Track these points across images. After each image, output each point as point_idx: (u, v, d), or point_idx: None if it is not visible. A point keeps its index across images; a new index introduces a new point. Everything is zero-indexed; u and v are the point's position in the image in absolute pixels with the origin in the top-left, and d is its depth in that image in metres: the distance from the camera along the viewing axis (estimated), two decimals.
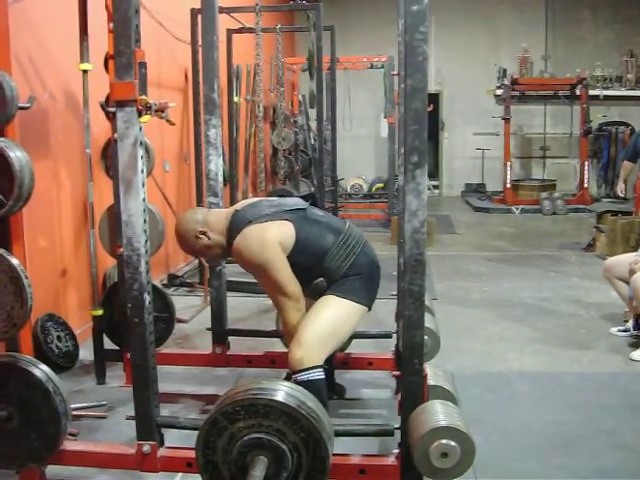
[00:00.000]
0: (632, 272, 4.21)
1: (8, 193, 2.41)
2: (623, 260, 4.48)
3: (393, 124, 8.53)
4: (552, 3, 12.80)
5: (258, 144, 6.77)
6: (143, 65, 2.21)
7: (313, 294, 2.84)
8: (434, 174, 13.45)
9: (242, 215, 2.82)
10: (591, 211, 9.92)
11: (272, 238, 2.73)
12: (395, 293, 3.43)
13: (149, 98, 2.22)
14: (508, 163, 11.10)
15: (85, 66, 3.58)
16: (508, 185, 11.08)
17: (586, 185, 11.03)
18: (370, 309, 2.88)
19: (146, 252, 2.30)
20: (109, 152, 3.62)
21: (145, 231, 2.28)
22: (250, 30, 6.14)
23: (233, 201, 6.80)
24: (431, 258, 6.30)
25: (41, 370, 2.39)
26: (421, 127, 2.08)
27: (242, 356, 3.56)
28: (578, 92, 11.13)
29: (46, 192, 3.97)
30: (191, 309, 5.15)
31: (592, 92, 11.36)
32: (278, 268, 2.72)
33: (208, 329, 3.60)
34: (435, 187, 13.49)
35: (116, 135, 2.27)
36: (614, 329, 4.57)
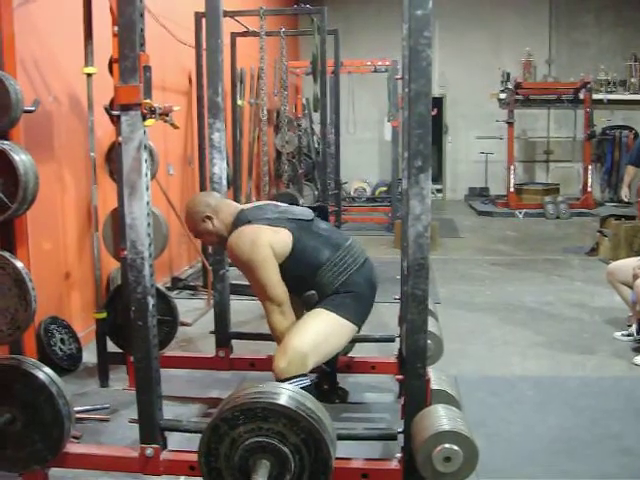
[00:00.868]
0: (635, 276, 4.20)
1: (13, 196, 2.41)
2: (626, 264, 4.48)
3: (397, 128, 8.53)
4: (556, 7, 12.81)
5: (262, 147, 6.80)
6: (148, 69, 2.22)
7: (304, 306, 2.86)
8: (437, 178, 13.45)
9: (245, 214, 2.89)
10: (594, 215, 9.90)
11: (264, 240, 2.77)
12: (398, 297, 3.43)
13: (153, 102, 2.22)
14: (511, 167, 11.08)
15: (89, 70, 3.59)
16: (511, 189, 11.07)
17: (590, 189, 11.01)
18: (359, 329, 2.89)
19: (150, 255, 2.30)
20: (113, 155, 3.62)
21: (149, 234, 2.29)
22: (254, 34, 6.16)
23: None
24: (434, 262, 6.30)
25: (45, 373, 2.39)
26: (425, 131, 2.08)
27: (245, 359, 3.56)
28: (582, 96, 11.11)
29: (50, 195, 3.98)
30: (194, 312, 5.16)
31: (596, 96, 11.34)
32: (265, 270, 2.75)
33: (211, 332, 3.60)
34: (438, 191, 13.48)
35: (120, 138, 2.28)
36: (617, 333, 4.56)
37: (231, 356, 3.55)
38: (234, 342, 3.60)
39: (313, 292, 2.86)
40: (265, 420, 1.99)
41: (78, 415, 2.87)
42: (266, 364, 3.47)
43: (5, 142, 2.43)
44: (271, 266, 2.77)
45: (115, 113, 3.22)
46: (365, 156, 13.03)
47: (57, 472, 2.58)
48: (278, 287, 2.78)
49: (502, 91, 11.85)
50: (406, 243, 2.31)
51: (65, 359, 3.86)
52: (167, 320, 3.68)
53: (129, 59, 2.19)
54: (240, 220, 2.86)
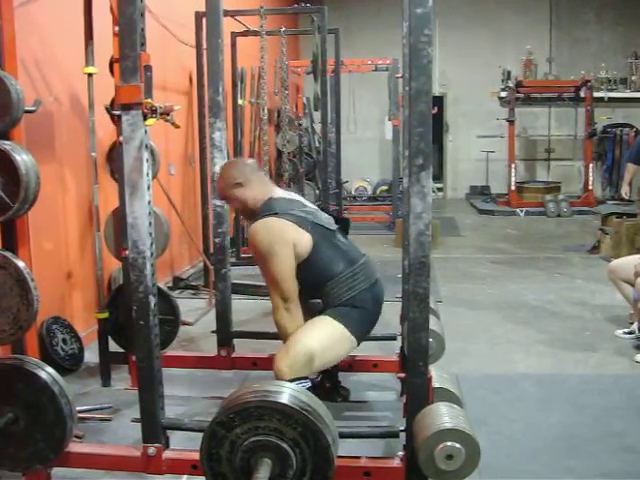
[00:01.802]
0: (637, 274, 4.20)
1: (14, 196, 2.41)
2: (628, 262, 4.48)
3: (397, 126, 8.53)
4: (556, 5, 12.80)
5: (262, 147, 6.79)
6: (148, 68, 2.22)
7: (308, 312, 2.87)
8: (438, 176, 13.44)
9: (273, 204, 2.88)
10: (596, 213, 9.88)
11: (289, 236, 2.78)
12: (400, 295, 3.43)
13: (154, 101, 2.23)
14: (512, 165, 11.07)
15: (90, 69, 3.59)
16: (512, 187, 11.06)
17: (591, 187, 11.02)
18: (359, 344, 2.91)
19: (151, 255, 2.30)
20: (114, 155, 3.62)
21: (150, 234, 2.29)
22: (255, 33, 6.16)
23: None
24: (435, 260, 6.31)
25: (47, 372, 2.39)
26: (426, 129, 2.08)
27: (247, 358, 3.56)
28: (582, 94, 11.11)
29: (52, 195, 3.98)
30: (196, 312, 5.16)
31: (597, 94, 11.34)
32: (282, 263, 2.76)
33: (213, 332, 3.60)
34: (439, 189, 13.47)
35: (121, 138, 2.28)
36: (619, 331, 4.56)
37: (233, 355, 3.55)
38: (236, 341, 3.61)
39: (319, 301, 2.87)
40: (260, 419, 1.99)
41: (80, 414, 2.88)
42: (268, 363, 3.47)
43: (6, 142, 2.43)
44: (289, 261, 2.78)
45: (116, 113, 3.23)
46: (366, 155, 13.03)
47: (59, 471, 2.58)
48: (290, 283, 2.79)
49: (503, 89, 11.85)
50: (407, 241, 2.31)
51: (67, 359, 3.86)
52: (169, 319, 3.68)
53: (130, 59, 2.19)
54: (268, 208, 2.86)
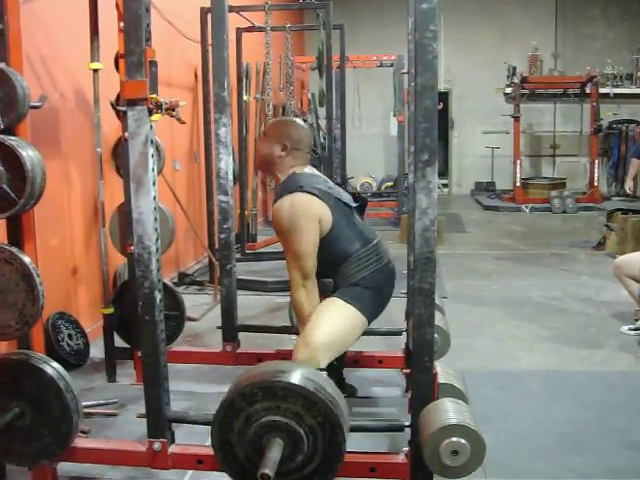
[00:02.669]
0: None
1: (20, 192, 2.41)
2: (633, 258, 4.47)
3: (402, 122, 8.51)
4: (562, 1, 12.75)
5: None
6: (154, 64, 2.22)
7: (320, 292, 2.86)
8: (444, 172, 13.43)
9: (298, 178, 2.87)
10: (601, 209, 9.87)
11: (316, 210, 2.77)
12: (405, 291, 3.42)
13: (160, 97, 2.23)
14: (518, 161, 11.06)
15: (96, 65, 3.60)
16: (518, 183, 11.05)
17: (596, 183, 10.99)
18: (369, 324, 2.90)
19: (157, 250, 2.30)
20: (120, 151, 3.63)
21: (156, 229, 2.29)
22: (260, 29, 6.16)
23: (243, 200, 6.81)
24: (441, 257, 6.29)
25: (53, 368, 2.40)
26: (431, 125, 2.07)
27: (252, 354, 3.56)
28: (588, 90, 11.09)
29: (57, 191, 3.99)
30: (201, 307, 5.17)
31: (602, 90, 11.32)
32: (306, 238, 2.74)
33: (218, 327, 3.60)
34: (445, 185, 13.44)
35: (127, 134, 2.28)
36: (624, 327, 4.56)
37: (238, 351, 3.56)
38: (241, 337, 3.61)
39: (330, 280, 2.86)
40: (284, 399, 1.99)
41: (86, 410, 2.89)
42: (273, 358, 3.47)
43: (12, 138, 2.43)
44: (313, 237, 2.76)
45: (121, 108, 3.24)
46: (371, 151, 13.01)
47: (65, 466, 2.60)
48: (312, 259, 2.77)
49: (508, 85, 11.83)
50: (413, 237, 2.31)
51: (73, 354, 3.88)
52: (174, 315, 3.69)
53: (135, 54, 2.19)
54: (292, 183, 2.84)
